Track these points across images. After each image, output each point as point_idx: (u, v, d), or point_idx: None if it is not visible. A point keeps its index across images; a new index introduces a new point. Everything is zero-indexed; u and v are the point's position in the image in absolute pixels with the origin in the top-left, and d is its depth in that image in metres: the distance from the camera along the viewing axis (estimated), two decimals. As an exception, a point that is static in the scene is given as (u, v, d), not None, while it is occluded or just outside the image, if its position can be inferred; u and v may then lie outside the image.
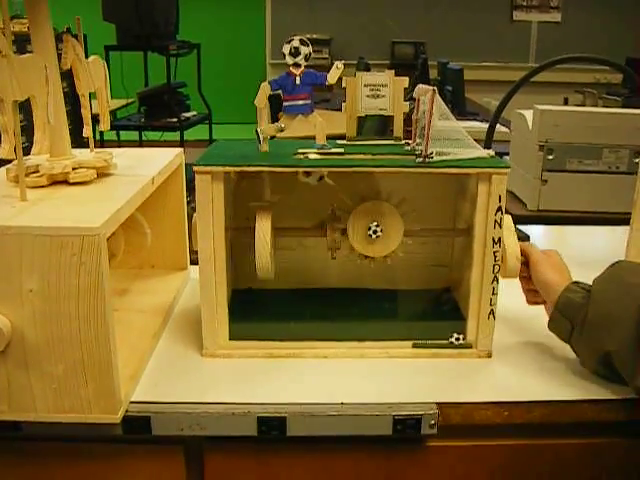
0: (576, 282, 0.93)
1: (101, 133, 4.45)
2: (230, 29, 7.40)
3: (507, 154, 2.17)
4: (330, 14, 6.76)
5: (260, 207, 0.94)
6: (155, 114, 4.58)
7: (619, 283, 0.88)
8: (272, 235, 0.93)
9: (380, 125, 1.06)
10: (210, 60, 5.57)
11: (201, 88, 4.90)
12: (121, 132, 4.83)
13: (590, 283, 0.91)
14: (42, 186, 0.91)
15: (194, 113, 4.85)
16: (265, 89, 0.92)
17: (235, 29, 7.40)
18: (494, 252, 0.93)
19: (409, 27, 6.71)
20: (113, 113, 4.97)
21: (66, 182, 0.92)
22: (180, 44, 4.66)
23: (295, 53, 0.92)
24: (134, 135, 4.87)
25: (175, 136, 4.39)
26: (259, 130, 0.95)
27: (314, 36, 6.13)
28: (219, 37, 7.20)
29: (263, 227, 0.93)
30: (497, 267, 0.94)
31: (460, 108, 3.52)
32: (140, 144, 4.81)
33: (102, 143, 4.09)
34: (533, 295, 1.01)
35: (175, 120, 4.45)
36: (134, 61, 4.89)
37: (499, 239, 0.93)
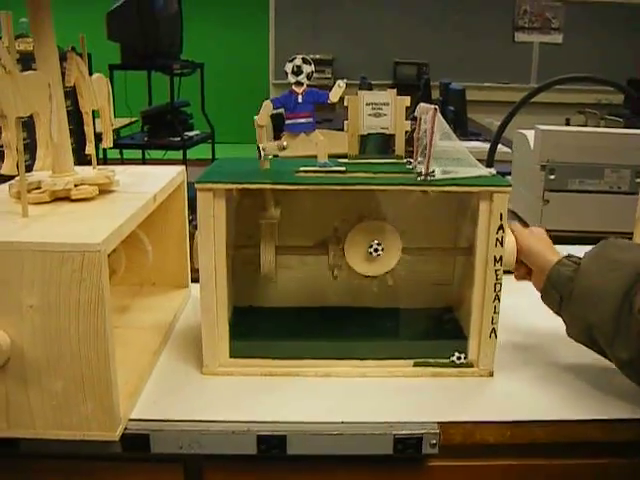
0: (568, 255, 0.96)
1: (104, 151, 4.47)
2: (234, 49, 7.46)
3: (509, 174, 2.18)
4: (333, 34, 6.81)
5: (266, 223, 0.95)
6: (158, 133, 4.60)
7: (606, 259, 0.91)
8: (275, 247, 0.95)
9: (382, 144, 1.06)
10: (213, 80, 5.60)
11: (204, 107, 4.92)
12: (124, 151, 4.85)
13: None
14: (44, 202, 0.91)
15: (197, 132, 4.86)
16: (267, 107, 0.93)
17: (239, 49, 7.45)
18: (495, 270, 0.93)
19: (412, 48, 6.75)
20: (116, 132, 4.99)
21: (68, 199, 0.92)
22: (184, 63, 4.69)
23: (297, 72, 0.93)
24: (137, 154, 4.88)
25: (178, 155, 4.40)
26: (261, 146, 0.95)
27: (317, 56, 6.17)
28: (223, 57, 7.25)
29: (268, 240, 0.94)
30: (499, 286, 0.94)
31: (462, 128, 3.54)
32: (143, 163, 4.82)
33: (105, 161, 4.10)
34: (519, 268, 1.02)
35: (178, 139, 4.46)
36: (138, 80, 4.92)
37: (500, 257, 0.92)
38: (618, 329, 0.85)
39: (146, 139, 4.63)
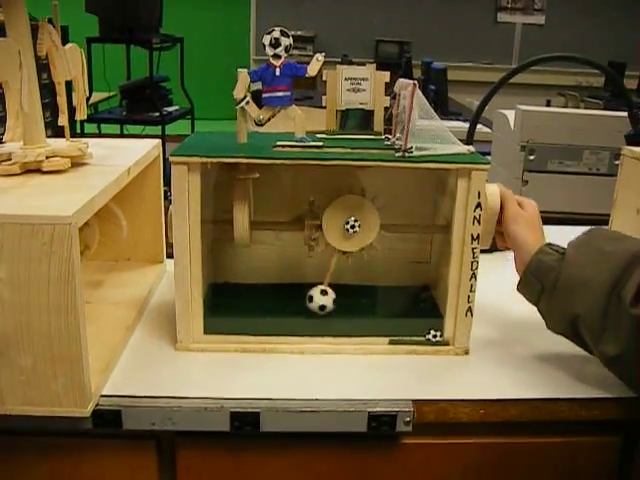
0: (549, 244, 0.93)
1: (82, 126, 4.41)
2: (214, 24, 7.37)
3: (489, 154, 2.18)
4: (315, 11, 6.75)
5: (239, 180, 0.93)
6: (137, 108, 4.55)
7: (594, 249, 0.88)
8: (251, 209, 0.93)
9: (364, 121, 1.05)
10: (193, 55, 5.54)
11: (184, 83, 4.87)
12: (102, 125, 4.79)
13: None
14: (15, 174, 0.89)
15: (176, 108, 4.82)
16: (244, 78, 0.91)
17: (219, 24, 7.37)
18: (473, 249, 0.93)
19: (394, 26, 6.71)
20: (94, 106, 4.93)
21: (39, 171, 0.90)
22: (163, 38, 4.63)
23: (275, 44, 0.91)
24: (115, 129, 4.83)
25: (157, 130, 4.35)
26: (245, 103, 0.91)
27: (298, 33, 6.12)
28: (203, 32, 7.16)
29: (242, 199, 0.93)
30: (475, 264, 0.93)
31: (443, 108, 3.53)
32: (121, 138, 4.77)
33: (83, 136, 4.05)
34: (504, 239, 0.99)
35: (157, 114, 4.42)
36: (116, 54, 4.85)
37: (477, 235, 0.92)
38: (606, 323, 0.83)
39: (124, 114, 4.58)
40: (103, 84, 4.80)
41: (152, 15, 4.53)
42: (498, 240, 1.01)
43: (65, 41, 0.97)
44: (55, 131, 1.07)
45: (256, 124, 0.95)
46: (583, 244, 0.90)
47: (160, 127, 4.37)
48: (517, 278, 0.96)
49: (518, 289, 0.95)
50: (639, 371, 0.84)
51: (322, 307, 0.96)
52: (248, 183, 0.95)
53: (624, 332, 0.81)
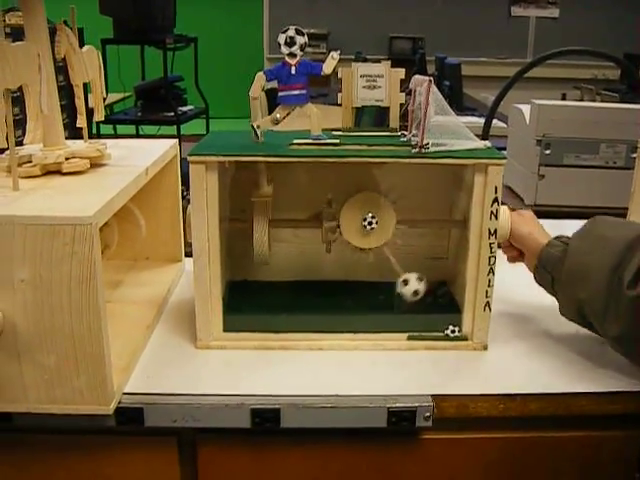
0: (557, 237, 0.97)
1: (98, 127, 4.43)
2: (228, 23, 7.38)
3: (504, 149, 2.17)
4: (328, 9, 6.75)
5: (259, 201, 0.95)
6: (152, 108, 4.56)
7: (595, 237, 0.91)
8: (269, 226, 0.94)
9: (379, 118, 1.05)
10: (207, 54, 5.55)
11: (198, 82, 4.88)
12: (118, 126, 4.81)
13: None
14: (35, 176, 0.90)
15: (191, 107, 4.83)
16: (260, 79, 0.91)
17: (233, 23, 7.38)
18: (490, 244, 0.93)
19: (407, 22, 6.69)
20: (110, 107, 4.96)
21: (59, 172, 0.91)
22: (177, 38, 4.64)
23: (290, 43, 0.91)
24: (131, 129, 4.84)
25: (172, 130, 4.37)
26: (255, 125, 0.94)
27: (312, 30, 6.10)
28: (216, 31, 7.18)
29: (261, 218, 0.93)
30: (493, 259, 0.93)
31: (458, 103, 3.52)
32: (137, 138, 4.79)
33: (99, 137, 4.06)
34: (511, 251, 1.04)
35: (172, 114, 4.43)
36: (131, 55, 4.87)
37: (495, 230, 0.92)
38: (608, 305, 0.85)
39: (139, 114, 4.59)
40: (118, 85, 4.82)
41: (166, 15, 4.54)
42: (506, 255, 1.05)
43: (81, 43, 0.98)
44: (72, 133, 1.08)
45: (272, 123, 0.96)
46: (585, 232, 0.93)
47: (175, 127, 4.39)
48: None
49: (536, 281, 0.99)
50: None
51: (416, 292, 0.95)
52: (266, 204, 0.97)
53: (624, 313, 0.84)
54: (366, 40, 6.58)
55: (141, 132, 4.88)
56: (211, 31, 6.86)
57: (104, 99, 1.06)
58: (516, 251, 1.03)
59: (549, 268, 0.95)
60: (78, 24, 0.98)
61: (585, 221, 0.95)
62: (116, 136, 4.75)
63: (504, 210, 0.96)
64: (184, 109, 4.68)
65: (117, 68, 4.66)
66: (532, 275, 0.99)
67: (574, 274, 0.91)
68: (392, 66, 0.98)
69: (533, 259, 0.98)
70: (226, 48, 7.37)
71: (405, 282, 0.96)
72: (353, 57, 5.11)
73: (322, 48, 6.42)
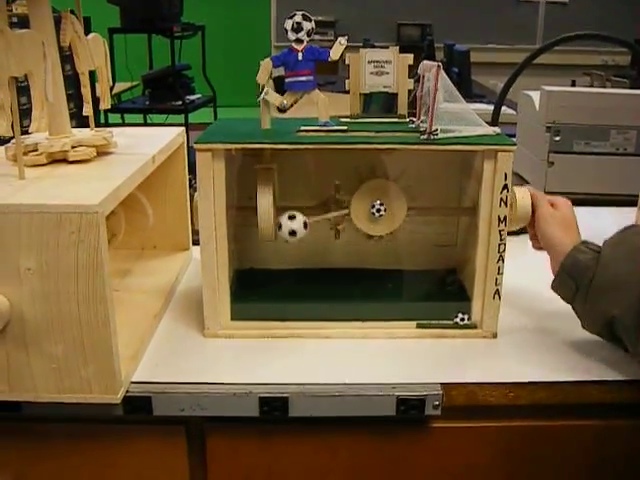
0: (585, 242, 0.90)
1: (106, 116, 4.44)
2: (235, 11, 7.36)
3: (514, 136, 2.15)
4: (336, -4, 6.71)
5: (262, 170, 0.93)
6: (159, 97, 4.56)
7: (630, 247, 0.86)
8: (274, 198, 0.93)
9: (387, 104, 1.04)
10: (215, 42, 5.54)
11: (205, 71, 4.87)
12: (126, 115, 4.81)
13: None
14: (41, 165, 0.89)
15: (198, 96, 4.82)
16: (267, 65, 0.91)
17: (240, 11, 7.36)
18: (500, 231, 0.92)
19: (415, 9, 6.65)
20: (117, 96, 4.95)
21: (65, 160, 0.91)
22: (184, 26, 4.63)
23: (297, 29, 0.90)
24: (139, 118, 4.85)
25: (180, 119, 4.37)
26: (265, 94, 0.91)
27: (319, 18, 6.08)
28: (224, 19, 7.16)
29: (266, 190, 0.92)
30: (503, 246, 0.92)
31: (466, 90, 3.49)
32: (145, 127, 4.79)
33: (107, 125, 4.07)
34: (538, 241, 0.97)
35: (180, 103, 4.43)
36: (138, 44, 4.86)
37: (504, 217, 0.91)
38: None
39: (147, 103, 4.60)
40: (126, 74, 4.82)
41: (173, 4, 4.53)
42: (534, 242, 1.00)
43: (88, 32, 0.98)
44: (79, 121, 1.08)
45: (279, 110, 0.95)
46: (618, 242, 0.88)
47: (183, 115, 4.38)
48: (542, 256, 0.95)
49: (552, 287, 0.93)
50: None
51: (292, 232, 0.92)
52: (271, 172, 0.94)
53: None
54: (374, 27, 6.54)
55: (149, 121, 4.88)
56: (218, 19, 6.84)
57: (111, 88, 1.06)
58: None
59: (575, 276, 0.88)
60: (85, 13, 0.98)
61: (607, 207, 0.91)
62: (124, 125, 4.75)
63: (524, 193, 0.94)
64: (192, 98, 4.67)
65: (124, 57, 4.66)
66: (544, 259, 0.95)
67: (606, 286, 0.84)
68: (400, 53, 0.97)
69: (557, 263, 0.91)
70: (233, 36, 7.34)
71: (279, 227, 0.92)
72: (361, 44, 5.08)
73: (330, 35, 6.39)
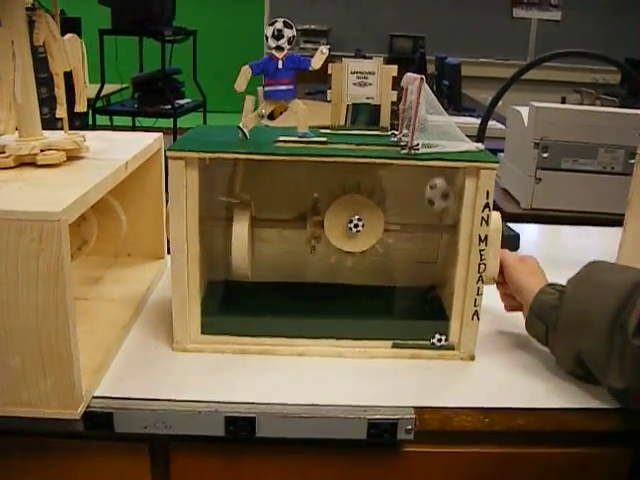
0: (551, 284, 0.92)
1: (94, 118, 4.40)
2: (228, 17, 7.33)
3: (502, 151, 2.14)
4: (329, 5, 6.69)
5: (238, 205, 0.91)
6: (149, 100, 4.54)
7: (593, 282, 0.86)
8: (250, 232, 0.90)
9: (375, 116, 1.02)
10: (206, 47, 5.52)
11: (196, 75, 4.85)
12: (115, 118, 4.78)
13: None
14: (8, 168, 0.86)
15: (188, 100, 4.80)
16: (246, 73, 0.88)
17: (232, 17, 7.33)
18: (480, 250, 0.89)
19: (408, 21, 6.65)
20: (107, 98, 4.92)
21: (34, 164, 0.88)
22: (176, 30, 4.61)
23: (278, 36, 0.88)
24: (127, 121, 4.81)
25: (169, 123, 4.34)
26: (241, 124, 0.90)
27: (312, 27, 6.07)
28: (216, 24, 7.13)
29: (240, 228, 0.89)
30: (482, 266, 0.90)
31: (456, 103, 3.48)
32: (133, 130, 4.76)
33: (95, 128, 4.05)
34: (510, 300, 0.99)
35: (169, 107, 4.40)
36: (129, 46, 4.84)
37: (485, 237, 0.89)
38: (610, 356, 0.80)
39: (136, 106, 4.57)
40: (115, 76, 4.79)
41: (165, 7, 4.51)
42: (505, 302, 1.01)
43: (78, 33, 0.95)
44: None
45: (268, 118, 0.93)
46: (582, 279, 0.88)
47: (172, 120, 4.36)
48: None
49: (527, 330, 0.94)
50: None
51: (445, 194, 0.93)
52: (247, 208, 0.93)
53: (629, 364, 0.78)
54: (367, 38, 6.54)
55: (138, 124, 4.85)
56: (211, 24, 6.82)
57: (100, 89, 1.03)
58: (515, 299, 0.97)
59: (542, 317, 0.89)
60: (75, 14, 0.96)
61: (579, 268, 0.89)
62: (112, 127, 4.72)
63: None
64: (182, 102, 4.66)
65: (115, 59, 4.63)
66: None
67: (572, 322, 0.85)
68: (392, 64, 0.94)
69: (527, 307, 0.93)
70: (225, 42, 7.32)
71: (432, 187, 0.92)
72: (353, 55, 5.08)
73: (322, 45, 6.38)
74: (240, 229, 0.91)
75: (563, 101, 4.09)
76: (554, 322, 0.87)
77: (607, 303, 0.81)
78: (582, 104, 3.71)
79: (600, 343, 0.81)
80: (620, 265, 0.91)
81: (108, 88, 4.60)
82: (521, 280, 0.94)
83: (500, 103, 1.53)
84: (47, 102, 1.15)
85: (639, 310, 0.78)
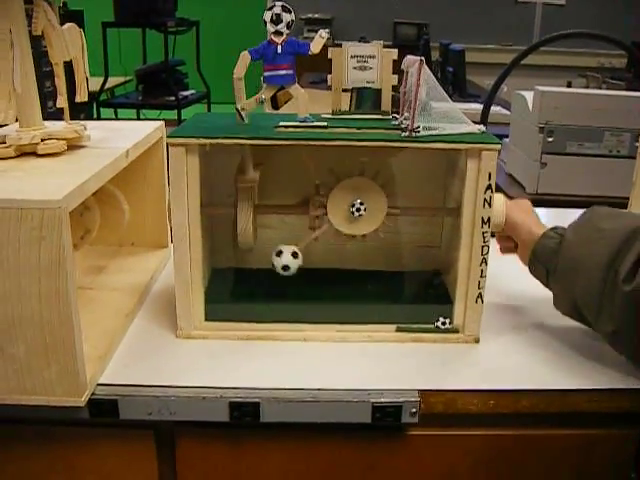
0: (554, 227, 0.93)
1: (98, 111, 4.41)
2: (230, 7, 7.30)
3: (507, 136, 2.13)
4: (333, -7, 6.66)
5: (243, 186, 0.91)
6: (153, 92, 4.53)
7: (591, 228, 0.87)
8: (254, 217, 0.91)
9: (377, 100, 1.01)
10: (209, 38, 5.51)
11: (200, 66, 4.84)
12: (119, 110, 4.78)
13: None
14: (9, 157, 0.86)
15: (192, 91, 4.80)
16: (245, 58, 0.88)
17: (235, 7, 7.30)
18: (483, 232, 0.89)
19: (412, 8, 6.61)
20: (111, 90, 4.92)
21: (35, 154, 0.87)
22: (179, 21, 4.60)
23: (277, 20, 0.87)
24: (132, 113, 4.81)
25: (173, 115, 4.34)
26: (239, 107, 0.90)
27: (316, 15, 6.04)
28: (219, 15, 7.10)
29: (245, 205, 0.90)
30: (486, 249, 0.89)
31: (461, 89, 3.46)
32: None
33: (99, 120, 4.04)
34: (504, 242, 1.01)
35: (173, 98, 4.40)
36: (132, 38, 4.83)
37: (488, 219, 0.88)
38: (602, 300, 0.81)
39: (140, 98, 4.57)
40: (119, 68, 4.79)
41: (167, -1, 4.50)
42: (500, 245, 1.02)
43: (81, 25, 0.95)
44: (72, 113, 1.04)
45: (272, 108, 0.92)
46: (582, 224, 0.89)
47: (176, 111, 4.35)
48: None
49: (530, 272, 0.95)
50: (638, 347, 0.82)
51: (285, 267, 0.91)
52: (251, 190, 0.93)
53: (620, 308, 0.79)
54: (371, 25, 6.49)
55: (142, 116, 4.85)
56: (213, 15, 6.79)
57: (104, 82, 1.03)
58: (510, 241, 0.99)
59: (543, 260, 0.91)
60: (78, 7, 0.95)
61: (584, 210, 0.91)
62: (117, 120, 4.72)
63: (499, 198, 0.92)
64: (185, 93, 4.65)
65: (118, 51, 4.63)
66: (526, 267, 0.95)
67: (568, 267, 0.87)
68: (397, 51, 0.94)
69: (526, 250, 0.94)
70: (228, 32, 7.29)
71: (279, 253, 0.92)
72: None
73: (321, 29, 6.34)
74: (245, 205, 0.92)
75: (569, 85, 4.06)
76: (554, 266, 0.89)
77: (604, 249, 0.82)
78: (588, 88, 3.69)
79: (593, 288, 0.82)
80: (619, 210, 0.91)
81: (112, 81, 4.59)
82: (515, 218, 0.96)
83: (506, 89, 1.53)
84: (53, 95, 1.14)
85: (633, 256, 0.79)
